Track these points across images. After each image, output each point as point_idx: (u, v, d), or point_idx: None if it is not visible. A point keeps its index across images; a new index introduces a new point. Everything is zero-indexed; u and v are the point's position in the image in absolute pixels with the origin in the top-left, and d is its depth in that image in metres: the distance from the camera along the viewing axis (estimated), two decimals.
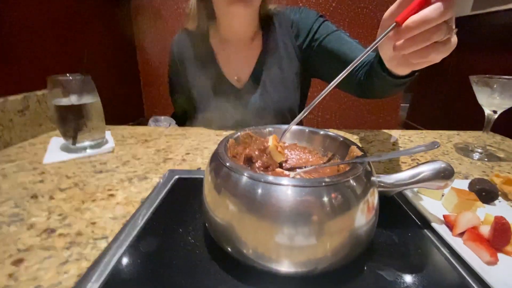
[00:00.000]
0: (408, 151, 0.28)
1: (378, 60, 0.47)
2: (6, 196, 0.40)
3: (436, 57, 0.31)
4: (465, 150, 0.58)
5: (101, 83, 0.59)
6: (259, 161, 0.31)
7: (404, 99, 3.72)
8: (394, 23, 0.28)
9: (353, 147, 0.30)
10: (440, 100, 2.39)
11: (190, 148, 0.59)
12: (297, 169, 0.32)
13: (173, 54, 0.77)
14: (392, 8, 0.31)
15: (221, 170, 0.27)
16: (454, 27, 0.30)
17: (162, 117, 0.99)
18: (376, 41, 0.30)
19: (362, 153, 0.29)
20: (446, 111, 2.27)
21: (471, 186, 0.38)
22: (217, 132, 0.70)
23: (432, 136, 0.68)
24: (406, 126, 2.89)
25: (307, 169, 0.31)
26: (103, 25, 0.98)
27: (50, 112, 0.68)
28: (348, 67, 0.30)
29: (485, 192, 0.36)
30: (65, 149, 0.56)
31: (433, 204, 0.36)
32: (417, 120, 2.81)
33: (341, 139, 0.33)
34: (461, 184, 0.41)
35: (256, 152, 0.32)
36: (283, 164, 0.34)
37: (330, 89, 0.31)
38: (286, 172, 0.31)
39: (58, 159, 0.52)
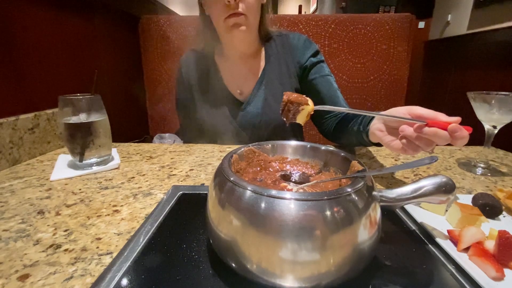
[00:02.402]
0: (407, 165, 0.28)
1: (366, 130, 0.52)
2: (13, 212, 0.40)
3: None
4: (467, 165, 0.58)
5: (109, 102, 0.61)
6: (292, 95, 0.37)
7: None
8: (426, 122, 0.39)
9: (354, 162, 0.31)
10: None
11: (194, 164, 0.60)
12: (300, 184, 0.33)
13: (181, 71, 0.81)
14: (425, 112, 0.41)
15: (225, 185, 0.27)
16: None
17: (167, 134, 1.01)
18: (399, 117, 0.41)
19: (363, 167, 0.29)
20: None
21: (475, 200, 0.38)
22: (220, 148, 0.71)
23: (434, 151, 0.69)
24: None
25: (309, 184, 0.31)
26: (112, 45, 1.02)
27: (60, 130, 0.70)
28: (391, 116, 0.44)
29: (489, 207, 0.36)
30: (72, 166, 0.57)
31: (437, 219, 0.36)
32: None
33: (342, 154, 0.34)
34: (465, 199, 0.41)
35: (294, 95, 0.37)
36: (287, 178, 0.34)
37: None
38: (289, 187, 0.32)
39: (65, 175, 0.53)
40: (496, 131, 0.54)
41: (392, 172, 0.48)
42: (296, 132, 0.83)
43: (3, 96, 0.61)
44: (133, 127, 1.14)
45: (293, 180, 0.35)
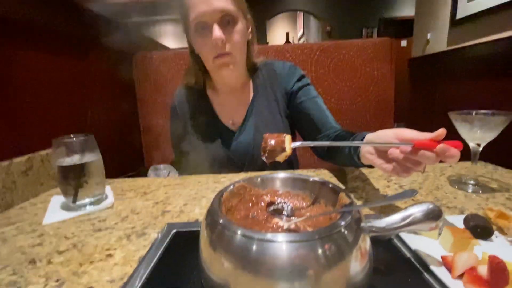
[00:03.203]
0: (390, 199, 0.29)
1: (357, 153, 0.54)
2: (4, 263, 0.39)
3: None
4: (458, 183, 0.59)
5: (103, 137, 0.62)
6: (270, 141, 0.38)
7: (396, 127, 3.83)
8: (412, 144, 0.40)
9: (342, 194, 0.32)
10: (434, 128, 2.46)
11: (188, 198, 0.59)
12: (292, 218, 0.33)
13: (175, 107, 0.84)
14: (412, 134, 0.43)
15: (215, 227, 0.28)
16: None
17: (162, 165, 1.01)
18: (386, 143, 0.46)
19: (350, 200, 0.30)
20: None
21: (466, 222, 0.39)
22: (215, 178, 0.72)
23: (426, 168, 0.70)
24: None
25: (300, 219, 0.32)
26: (106, 81, 1.06)
27: (53, 172, 0.70)
28: (386, 144, 0.46)
29: (480, 228, 0.37)
30: (65, 207, 0.57)
31: (430, 244, 0.36)
32: None
33: (330, 185, 0.35)
34: (457, 220, 0.41)
35: (273, 141, 0.38)
36: (278, 213, 0.34)
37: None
38: (281, 222, 0.32)
39: (58, 219, 0.52)
40: (480, 149, 0.56)
41: (378, 205, 0.49)
42: (292, 153, 0.84)
43: None
44: (127, 159, 1.14)
45: (285, 213, 0.35)
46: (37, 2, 0.73)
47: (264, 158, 0.38)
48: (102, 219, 0.52)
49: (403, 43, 4.79)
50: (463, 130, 0.55)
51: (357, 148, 0.55)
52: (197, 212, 0.52)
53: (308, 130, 0.77)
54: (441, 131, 0.40)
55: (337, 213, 0.30)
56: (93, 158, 0.57)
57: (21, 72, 0.69)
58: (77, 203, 0.56)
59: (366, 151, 0.51)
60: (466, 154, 0.57)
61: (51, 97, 0.78)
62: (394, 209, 0.49)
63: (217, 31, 0.62)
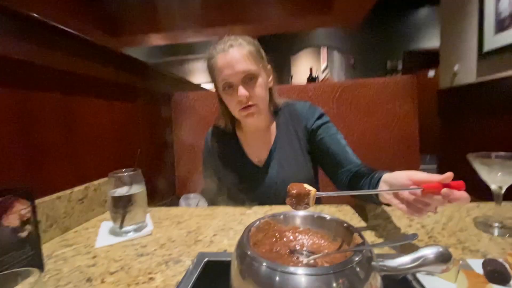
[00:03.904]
0: (390, 243, 0.33)
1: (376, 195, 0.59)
2: (67, 280, 0.47)
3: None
4: (484, 225, 0.59)
5: (144, 167, 0.71)
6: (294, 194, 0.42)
7: (429, 161, 3.64)
8: (422, 188, 0.44)
9: (356, 235, 0.36)
10: (461, 162, 2.34)
11: (217, 229, 0.65)
12: (311, 255, 0.38)
13: (207, 144, 0.95)
14: (422, 176, 0.46)
15: (244, 258, 0.33)
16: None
17: (192, 195, 1.09)
18: (402, 189, 0.49)
19: (362, 241, 0.34)
20: (473, 173, 2.18)
21: (484, 266, 0.40)
22: (241, 211, 0.77)
23: (450, 210, 0.69)
24: None
25: (319, 256, 0.36)
26: (150, 120, 1.21)
27: (104, 200, 0.81)
28: (392, 190, 0.52)
29: (498, 273, 0.38)
30: (113, 232, 0.66)
31: (447, 287, 0.38)
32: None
33: (346, 225, 0.39)
34: (476, 264, 0.42)
35: (296, 195, 0.42)
36: (299, 250, 0.39)
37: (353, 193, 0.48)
38: (301, 258, 0.36)
39: (107, 243, 0.61)
40: (503, 191, 0.56)
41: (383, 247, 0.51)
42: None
43: (62, 171, 0.74)
44: (162, 187, 1.25)
45: (306, 250, 0.39)
46: (89, 56, 0.89)
47: (294, 209, 0.43)
48: (144, 245, 0.59)
49: (431, 73, 4.73)
50: (482, 172, 0.56)
51: (375, 187, 0.58)
52: (226, 243, 0.58)
53: (329, 165, 0.81)
54: (448, 175, 0.43)
55: (351, 252, 0.34)
56: (139, 189, 0.66)
57: (83, 117, 0.83)
58: (123, 229, 0.64)
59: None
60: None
61: (106, 135, 0.92)
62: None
63: (241, 90, 0.72)
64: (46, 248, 0.60)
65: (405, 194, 0.46)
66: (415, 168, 1.22)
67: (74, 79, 0.81)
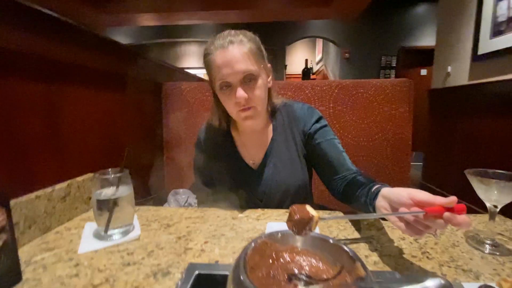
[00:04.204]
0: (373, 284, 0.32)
1: (373, 205, 0.57)
2: None
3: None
4: (475, 240, 0.59)
5: (132, 160, 0.67)
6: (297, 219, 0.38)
7: (415, 158, 3.73)
8: (424, 212, 0.43)
9: (358, 265, 0.34)
10: (453, 161, 2.40)
11: (208, 235, 0.63)
12: (309, 280, 0.36)
13: (199, 141, 0.90)
14: (425, 197, 0.45)
15: (240, 285, 0.31)
16: None
17: (181, 190, 1.06)
18: (405, 213, 0.46)
19: (365, 273, 0.32)
20: (460, 172, 2.25)
21: None
22: (233, 214, 0.75)
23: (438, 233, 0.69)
24: (422, 187, 2.83)
25: (317, 286, 0.34)
26: (139, 110, 1.15)
27: (88, 197, 0.76)
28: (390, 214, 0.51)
29: None
30: (97, 236, 0.62)
31: None
32: (432, 181, 2.76)
33: (347, 250, 0.37)
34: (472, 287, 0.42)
35: (297, 216, 0.38)
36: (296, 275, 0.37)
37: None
38: (300, 286, 0.35)
39: (91, 248, 0.57)
40: (498, 210, 0.56)
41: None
42: (307, 192, 0.87)
43: (43, 166, 0.69)
44: (151, 182, 1.21)
45: (304, 274, 0.38)
46: (74, 44, 0.82)
47: (297, 235, 0.40)
48: (130, 252, 0.57)
49: (423, 71, 4.78)
50: (480, 191, 0.56)
51: (372, 200, 0.57)
52: (217, 253, 0.56)
53: (325, 171, 0.80)
54: (452, 199, 0.42)
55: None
56: (126, 192, 0.63)
57: (64, 107, 0.77)
58: (108, 232, 0.61)
59: (381, 206, 0.53)
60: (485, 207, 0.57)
61: (90, 127, 0.86)
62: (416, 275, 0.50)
63: (240, 91, 0.68)
64: (24, 252, 0.56)
65: (405, 215, 0.45)
66: (406, 168, 1.23)
67: (56, 67, 0.74)
